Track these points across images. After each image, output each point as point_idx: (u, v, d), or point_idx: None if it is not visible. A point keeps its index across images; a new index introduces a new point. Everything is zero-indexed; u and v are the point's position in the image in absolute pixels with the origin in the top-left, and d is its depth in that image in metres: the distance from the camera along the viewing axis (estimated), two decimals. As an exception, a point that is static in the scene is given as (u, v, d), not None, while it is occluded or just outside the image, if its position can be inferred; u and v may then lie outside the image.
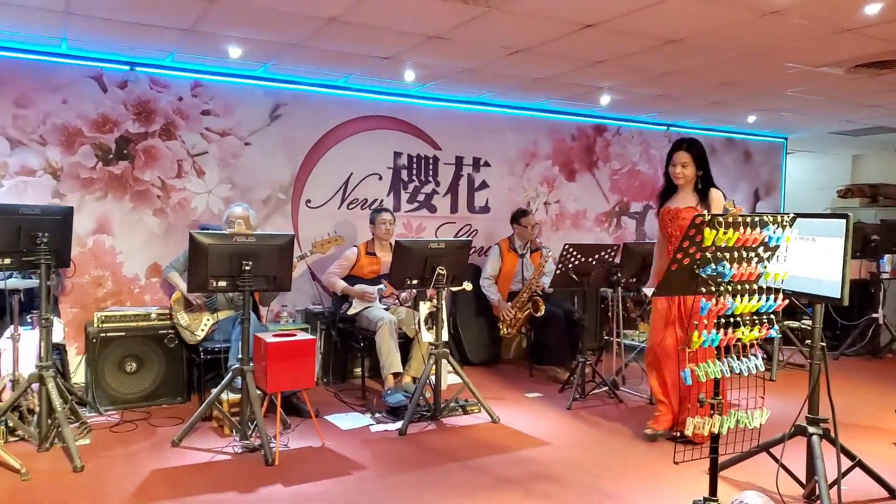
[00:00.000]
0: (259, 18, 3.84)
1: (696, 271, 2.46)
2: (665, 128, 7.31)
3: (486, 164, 6.34)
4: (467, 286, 4.69)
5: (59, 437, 3.63)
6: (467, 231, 6.28)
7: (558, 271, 4.81)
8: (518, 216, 5.77)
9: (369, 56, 4.60)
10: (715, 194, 3.86)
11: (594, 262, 4.82)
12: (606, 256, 4.87)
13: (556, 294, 5.45)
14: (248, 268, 3.64)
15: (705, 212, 3.55)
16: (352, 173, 5.68)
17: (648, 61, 4.59)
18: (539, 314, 5.29)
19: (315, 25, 3.95)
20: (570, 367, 5.19)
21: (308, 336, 3.87)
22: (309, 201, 5.53)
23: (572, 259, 4.77)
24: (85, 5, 3.64)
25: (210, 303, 4.55)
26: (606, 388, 4.90)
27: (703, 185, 3.89)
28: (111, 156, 4.84)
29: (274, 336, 3.79)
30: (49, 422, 3.64)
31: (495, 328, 5.68)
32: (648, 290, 4.41)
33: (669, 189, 4.00)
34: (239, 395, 3.89)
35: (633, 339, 5.97)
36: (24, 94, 4.56)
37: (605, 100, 5.94)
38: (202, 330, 4.49)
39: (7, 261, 3.53)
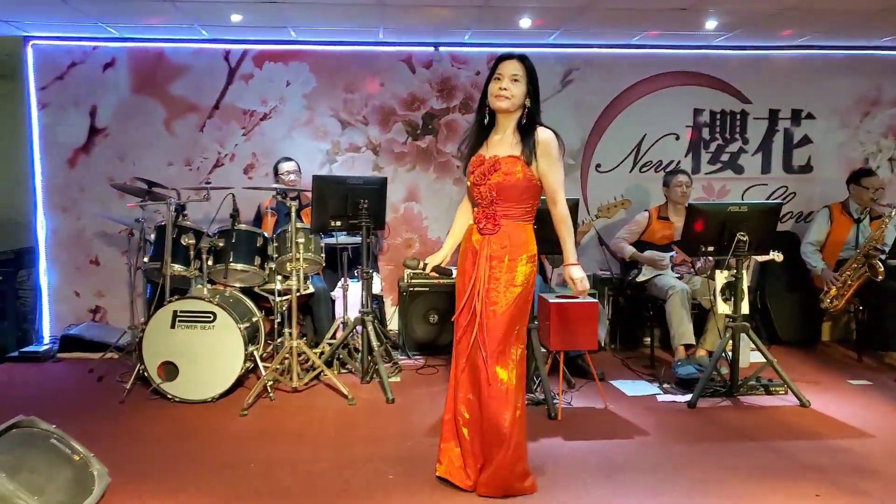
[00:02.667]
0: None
1: None
2: None
3: (810, 117, 5.54)
4: (777, 256, 4.19)
5: (376, 373, 4.22)
6: (783, 194, 5.59)
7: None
8: (858, 176, 4.94)
9: (665, 9, 4.34)
10: (544, 135, 2.70)
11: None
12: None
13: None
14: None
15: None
16: (645, 134, 5.45)
17: None
18: (879, 278, 4.46)
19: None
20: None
21: (591, 300, 3.86)
22: (599, 165, 5.47)
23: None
24: (394, -5, 4.09)
25: None
26: (963, 382, 4.00)
27: (529, 122, 2.73)
28: (418, 131, 5.38)
29: (558, 297, 3.87)
30: (369, 359, 4.26)
31: (813, 303, 4.95)
32: None
33: (479, 132, 2.83)
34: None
35: None
36: (351, 81, 5.30)
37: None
38: None
39: (338, 223, 4.19)
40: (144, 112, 5.20)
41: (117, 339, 4.76)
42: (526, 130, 2.72)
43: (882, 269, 4.44)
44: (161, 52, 5.18)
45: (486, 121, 2.80)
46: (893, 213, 4.59)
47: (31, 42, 5.10)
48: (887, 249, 4.38)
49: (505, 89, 2.68)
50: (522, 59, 2.74)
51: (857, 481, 2.88)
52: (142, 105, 5.20)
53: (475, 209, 2.83)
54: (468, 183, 2.85)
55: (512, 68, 2.70)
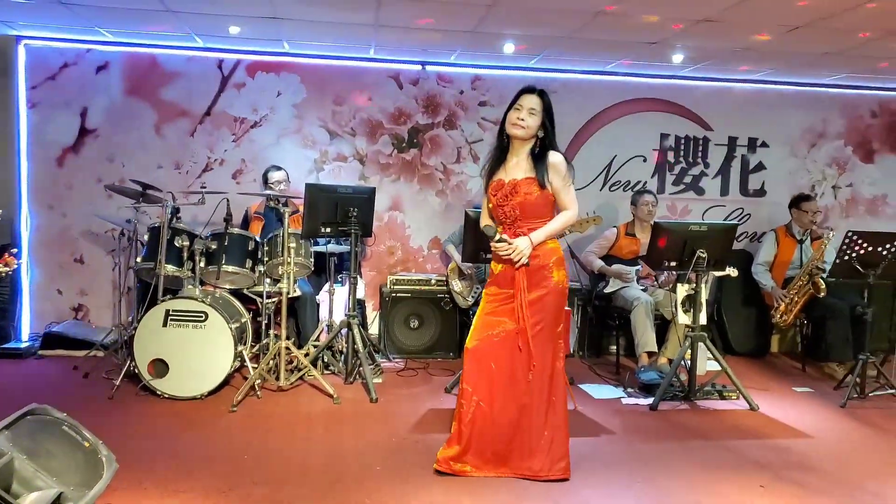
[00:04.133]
0: (532, 17, 4.19)
1: None
2: None
3: (764, 145, 5.98)
4: (732, 272, 4.56)
5: (359, 374, 4.43)
6: (739, 215, 6.01)
7: (839, 260, 4.44)
8: (798, 200, 5.37)
9: (636, 42, 4.70)
10: (555, 158, 3.05)
11: (884, 252, 4.35)
12: (901, 246, 4.34)
13: (841, 287, 4.98)
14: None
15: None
16: (615, 156, 5.81)
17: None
18: (821, 294, 4.87)
19: (584, 19, 4.18)
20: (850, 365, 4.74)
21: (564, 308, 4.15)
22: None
23: (856, 248, 4.35)
24: (390, 18, 4.33)
25: (479, 273, 5.09)
26: (894, 391, 4.40)
27: (542, 149, 3.08)
28: (404, 144, 5.63)
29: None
30: (353, 361, 4.47)
31: (764, 317, 5.38)
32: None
33: (499, 155, 3.18)
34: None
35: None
36: (340, 94, 5.52)
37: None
38: (472, 296, 5.05)
39: (328, 229, 4.39)
40: (135, 115, 5.33)
41: (103, 337, 4.85)
42: (539, 156, 3.06)
43: (824, 286, 4.85)
44: (154, 58, 5.32)
45: (504, 143, 3.15)
46: (831, 235, 4.99)
47: (24, 41, 5.18)
48: (827, 268, 4.77)
49: (522, 119, 3.02)
50: (542, 94, 3.09)
51: (797, 475, 3.21)
52: (133, 108, 5.32)
53: (500, 228, 3.15)
54: (489, 205, 3.20)
55: (531, 102, 3.05)
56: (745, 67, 5.39)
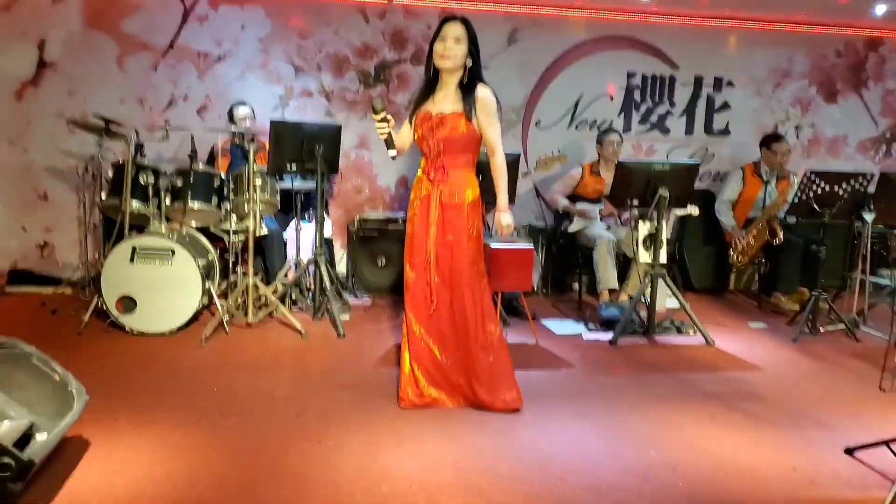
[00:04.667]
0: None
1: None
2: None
3: (729, 84, 6.03)
4: (693, 211, 4.67)
5: (327, 311, 4.50)
6: (703, 155, 6.09)
7: (797, 200, 4.56)
8: (769, 140, 5.43)
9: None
10: (483, 93, 3.01)
11: (840, 192, 4.48)
12: (857, 186, 4.47)
13: (798, 225, 5.14)
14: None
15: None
16: (582, 94, 5.81)
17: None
18: (776, 242, 5.05)
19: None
20: (801, 300, 4.94)
21: (527, 246, 4.24)
22: (538, 122, 5.82)
23: (814, 187, 4.47)
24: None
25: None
26: (844, 326, 4.61)
27: (470, 80, 3.04)
28: (371, 80, 5.56)
29: (496, 243, 4.22)
30: (320, 298, 4.54)
31: (724, 256, 5.54)
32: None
33: (426, 89, 3.13)
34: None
35: (886, 279, 5.43)
36: (306, 28, 5.41)
37: (881, 9, 5.24)
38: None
39: (293, 166, 4.38)
40: (96, 48, 5.18)
41: (72, 274, 4.85)
42: (467, 88, 3.01)
43: (781, 232, 5.00)
44: (113, -13, 5.14)
45: (431, 76, 3.09)
46: (795, 181, 5.11)
47: (-26, -32, 4.97)
48: (788, 207, 4.88)
49: (448, 49, 2.96)
50: (465, 21, 3.00)
51: (747, 405, 3.38)
52: (93, 40, 5.17)
53: (423, 160, 3.15)
54: (414, 136, 3.17)
55: (454, 30, 2.97)
56: (705, 2, 5.34)
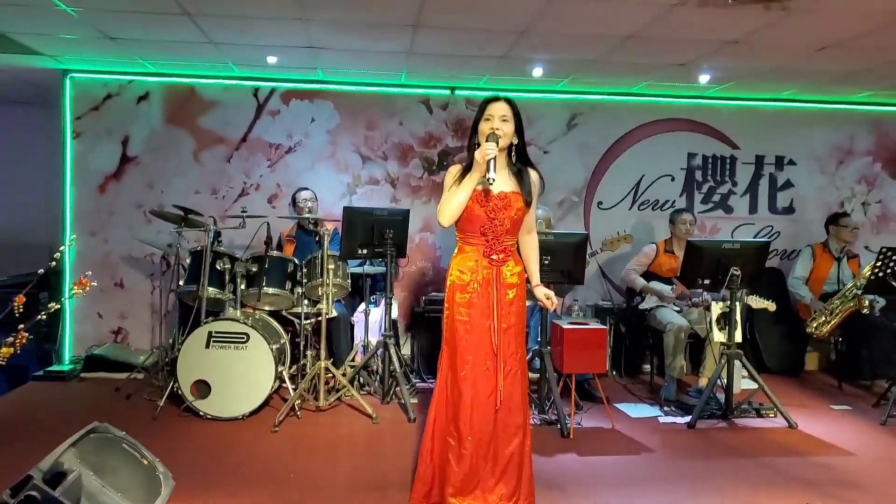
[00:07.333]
0: (561, 43, 4.29)
1: None
2: None
3: (791, 163, 6.02)
4: (770, 306, 4.66)
5: (395, 394, 4.48)
6: (768, 233, 6.02)
7: (872, 276, 4.45)
8: (837, 217, 5.45)
9: (663, 64, 4.77)
10: (536, 176, 2.97)
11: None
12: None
13: (889, 307, 5.02)
14: (546, 262, 4.09)
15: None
16: (643, 175, 5.87)
17: None
18: (864, 311, 4.89)
19: (612, 43, 4.26)
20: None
21: (601, 326, 4.20)
22: (601, 203, 5.87)
23: (890, 263, 4.37)
24: (423, 46, 4.44)
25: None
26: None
27: (519, 160, 2.94)
28: (434, 167, 5.73)
29: (569, 324, 4.19)
30: (389, 381, 4.52)
31: (798, 335, 5.38)
32: None
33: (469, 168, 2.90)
34: (538, 374, 4.36)
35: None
36: (372, 120, 5.66)
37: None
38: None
39: (364, 251, 4.47)
40: (174, 143, 5.49)
41: (145, 360, 4.95)
42: (519, 169, 2.94)
43: (867, 304, 4.86)
44: (192, 87, 5.49)
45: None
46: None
47: (70, 75, 5.38)
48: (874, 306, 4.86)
49: (498, 128, 2.83)
50: (509, 101, 2.90)
51: (843, 493, 3.20)
52: (172, 136, 5.49)
53: (474, 238, 2.92)
54: (473, 212, 2.88)
55: (501, 109, 2.86)
56: (770, 86, 5.44)
